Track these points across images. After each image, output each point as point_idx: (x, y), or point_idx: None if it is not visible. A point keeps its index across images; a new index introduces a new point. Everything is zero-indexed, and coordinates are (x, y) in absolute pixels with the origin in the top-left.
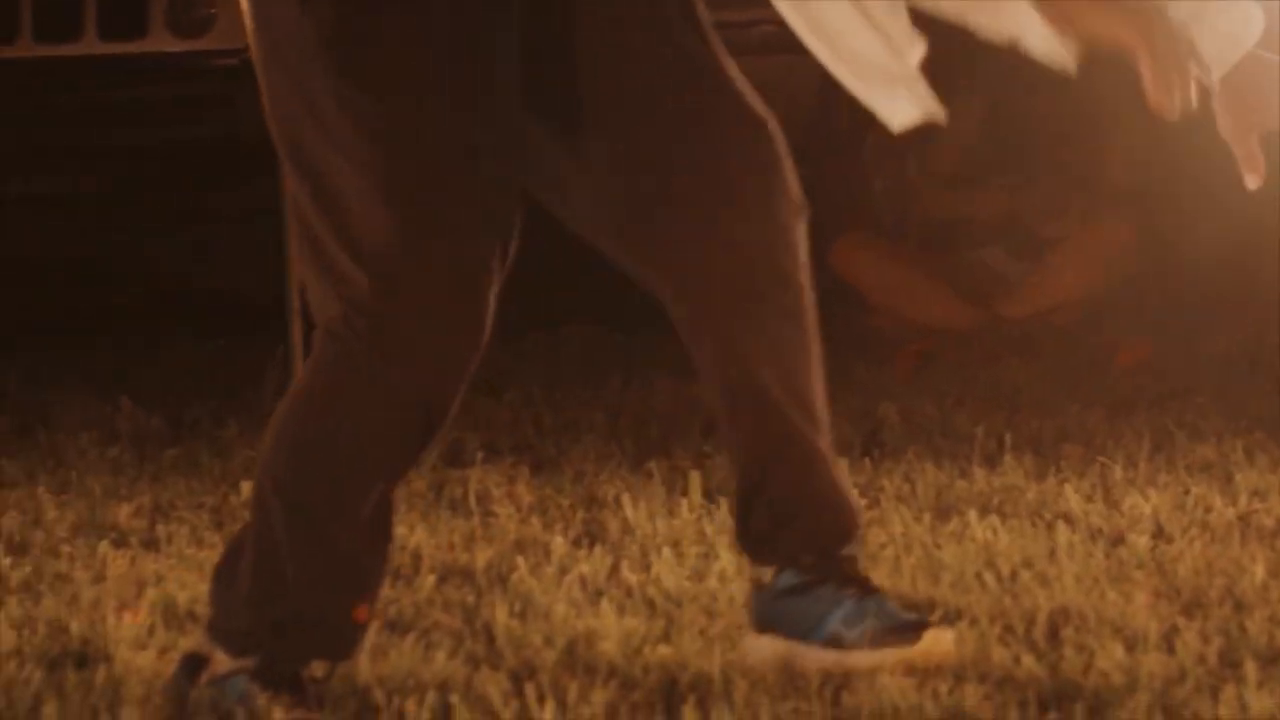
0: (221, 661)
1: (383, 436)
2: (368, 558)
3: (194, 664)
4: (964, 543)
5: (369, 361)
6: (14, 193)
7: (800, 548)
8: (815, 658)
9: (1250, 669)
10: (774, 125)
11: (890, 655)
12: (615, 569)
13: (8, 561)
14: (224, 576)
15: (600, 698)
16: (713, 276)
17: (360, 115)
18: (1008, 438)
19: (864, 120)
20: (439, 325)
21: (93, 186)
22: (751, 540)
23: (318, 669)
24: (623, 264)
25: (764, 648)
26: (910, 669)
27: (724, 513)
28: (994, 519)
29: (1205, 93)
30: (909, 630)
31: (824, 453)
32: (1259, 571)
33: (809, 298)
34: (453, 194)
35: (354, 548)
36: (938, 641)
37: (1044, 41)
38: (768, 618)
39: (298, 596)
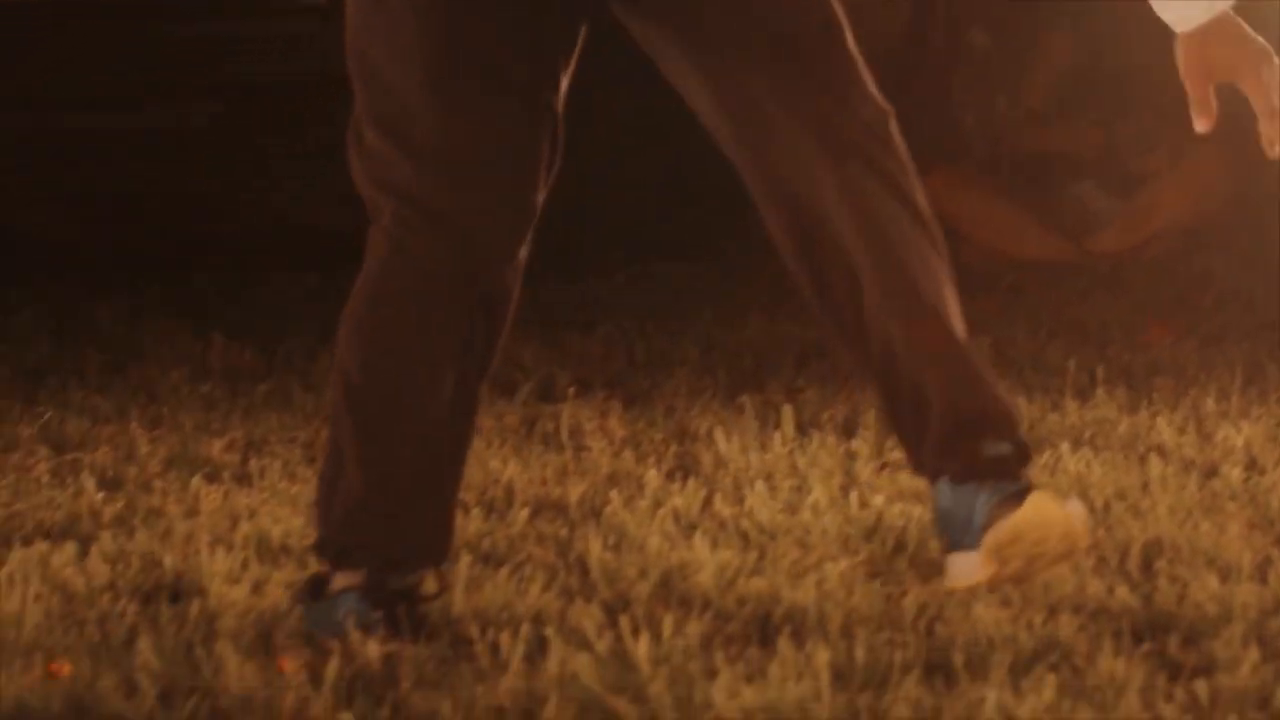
0: (336, 579)
1: (444, 325)
2: (449, 454)
3: (317, 584)
4: (1057, 475)
5: (422, 253)
6: (112, 128)
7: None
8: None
9: None
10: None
11: (1002, 527)
12: (708, 502)
13: (101, 496)
14: (323, 491)
15: (695, 630)
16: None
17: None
18: (1100, 370)
19: (954, 54)
20: (483, 209)
21: (190, 122)
22: (931, 454)
23: (429, 584)
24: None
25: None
26: (1020, 576)
27: (816, 445)
28: (1087, 451)
29: None
30: (1013, 499)
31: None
32: None
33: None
34: (487, 86)
35: (434, 443)
36: (1041, 506)
37: None
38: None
39: (381, 499)
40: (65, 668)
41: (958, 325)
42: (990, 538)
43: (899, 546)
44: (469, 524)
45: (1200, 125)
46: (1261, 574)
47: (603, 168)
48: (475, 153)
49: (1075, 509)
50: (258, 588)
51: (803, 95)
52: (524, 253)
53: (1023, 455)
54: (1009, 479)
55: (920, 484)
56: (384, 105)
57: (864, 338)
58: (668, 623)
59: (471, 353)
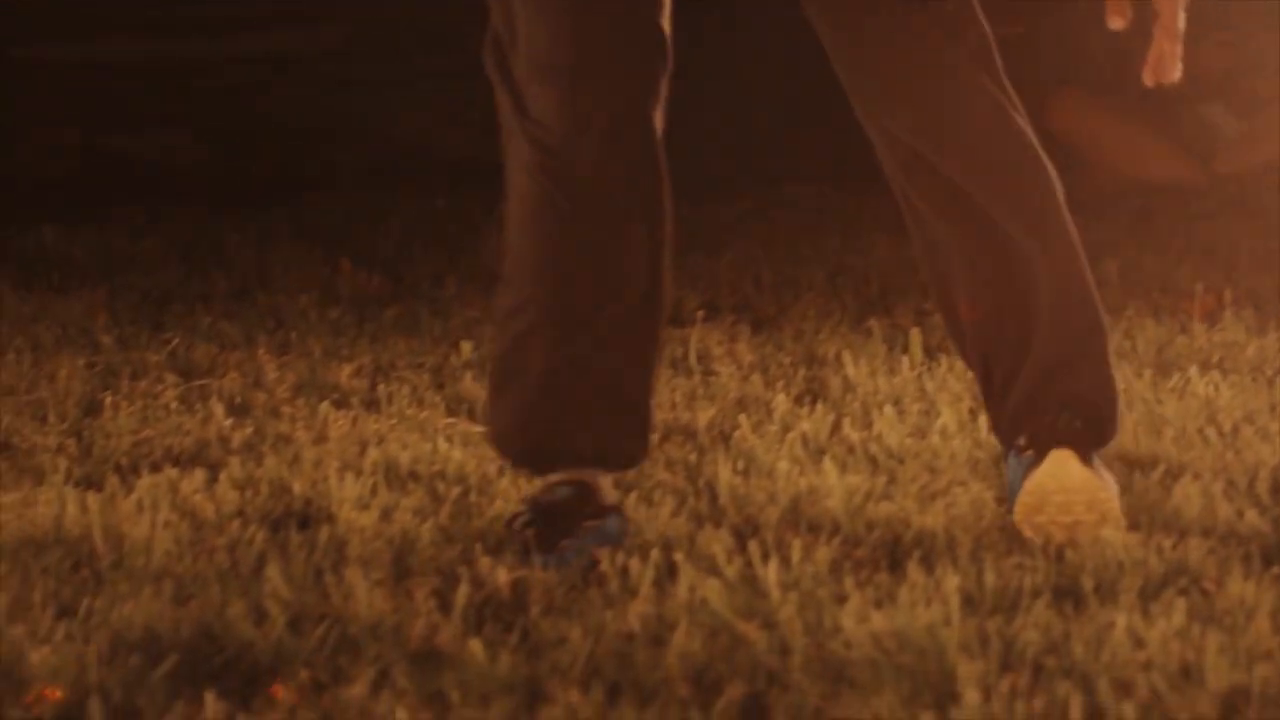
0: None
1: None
2: (629, 376)
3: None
4: (1185, 398)
5: (564, 185)
6: (239, 52)
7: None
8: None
9: None
10: None
11: (1026, 489)
12: (837, 427)
13: (229, 423)
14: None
15: (823, 555)
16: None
17: None
18: (1227, 293)
19: None
20: (611, 136)
21: (317, 45)
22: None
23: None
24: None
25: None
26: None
27: (944, 370)
28: (1215, 374)
29: None
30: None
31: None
32: None
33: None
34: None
35: (613, 368)
36: (1058, 465)
37: None
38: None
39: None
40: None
41: (1061, 266)
42: (1019, 502)
43: None
44: None
45: (1114, 24)
46: None
47: (730, 90)
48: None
49: (1102, 478)
50: (386, 514)
51: (914, 28)
52: (659, 119)
53: (1097, 433)
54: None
55: None
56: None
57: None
58: (797, 548)
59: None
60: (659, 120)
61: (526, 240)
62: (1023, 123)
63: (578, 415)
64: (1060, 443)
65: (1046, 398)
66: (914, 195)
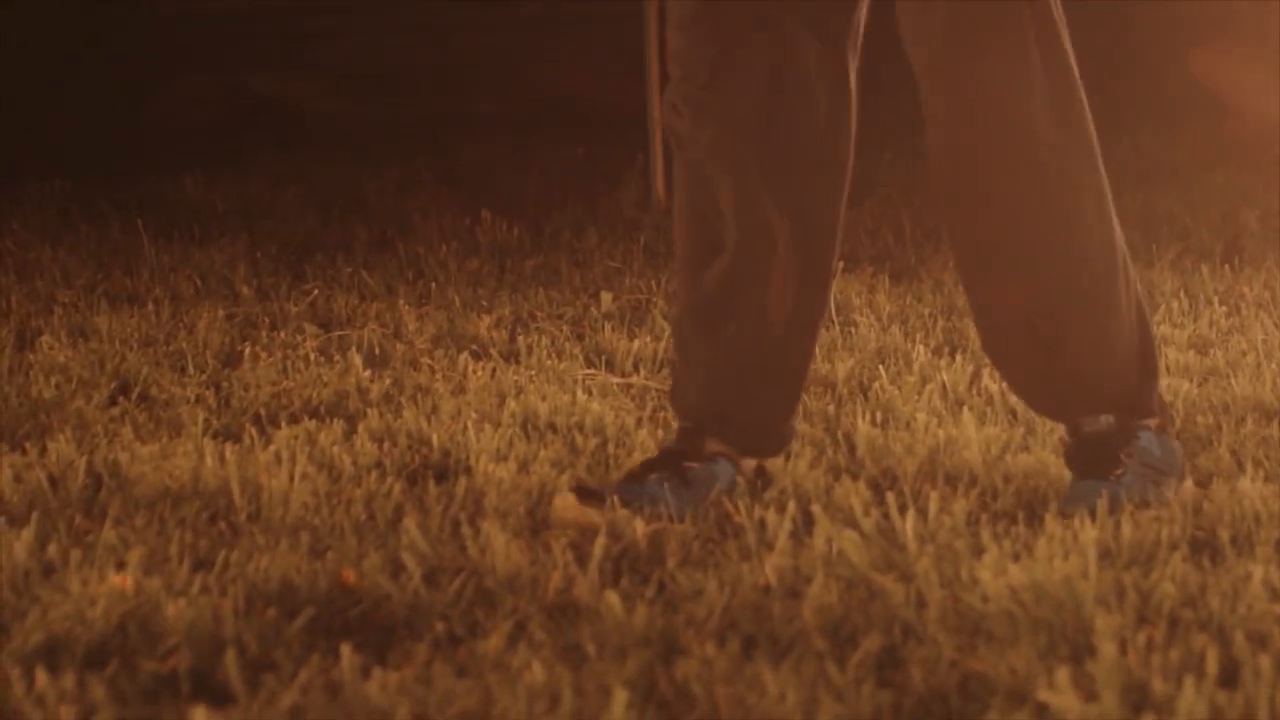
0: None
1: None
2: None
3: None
4: None
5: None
6: (380, 2)
7: None
8: None
9: None
10: None
11: None
12: (976, 378)
13: (368, 374)
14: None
15: (961, 507)
16: None
17: None
18: None
19: None
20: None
21: None
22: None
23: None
24: None
25: None
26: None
27: None
28: None
29: None
30: None
31: None
32: None
33: None
34: None
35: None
36: None
37: None
38: None
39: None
40: (349, 575)
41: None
42: None
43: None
44: None
45: None
46: None
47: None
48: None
49: None
50: (524, 466)
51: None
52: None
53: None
54: None
55: (1189, 359)
56: None
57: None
58: (934, 500)
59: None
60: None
61: None
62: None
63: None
64: None
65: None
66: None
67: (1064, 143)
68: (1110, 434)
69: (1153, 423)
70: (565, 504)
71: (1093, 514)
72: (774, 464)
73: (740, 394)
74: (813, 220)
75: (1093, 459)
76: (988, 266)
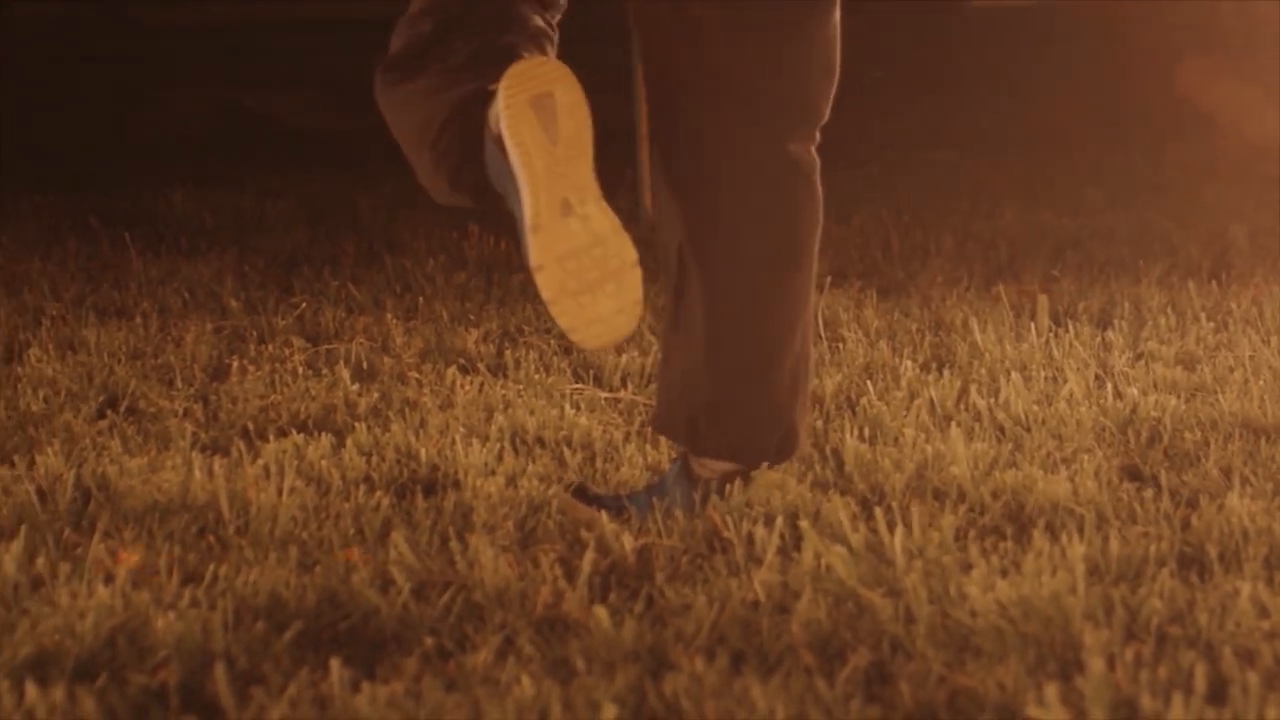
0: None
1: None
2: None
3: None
4: None
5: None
6: (372, 16)
7: None
8: None
9: None
10: None
11: None
12: (964, 393)
13: (356, 388)
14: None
15: (949, 522)
16: None
17: None
18: None
19: None
20: None
21: None
22: None
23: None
24: None
25: None
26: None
27: (1071, 337)
28: None
29: None
30: None
31: None
32: None
33: None
34: None
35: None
36: None
37: None
38: None
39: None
40: (353, 553)
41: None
42: None
43: (1154, 438)
44: None
45: None
46: None
47: (856, 58)
48: None
49: None
50: (512, 480)
51: None
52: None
53: None
54: None
55: (1176, 375)
56: None
57: None
58: (922, 515)
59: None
60: None
61: None
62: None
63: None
64: None
65: None
66: None
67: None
68: None
69: None
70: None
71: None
72: (761, 479)
73: None
74: None
75: None
76: None
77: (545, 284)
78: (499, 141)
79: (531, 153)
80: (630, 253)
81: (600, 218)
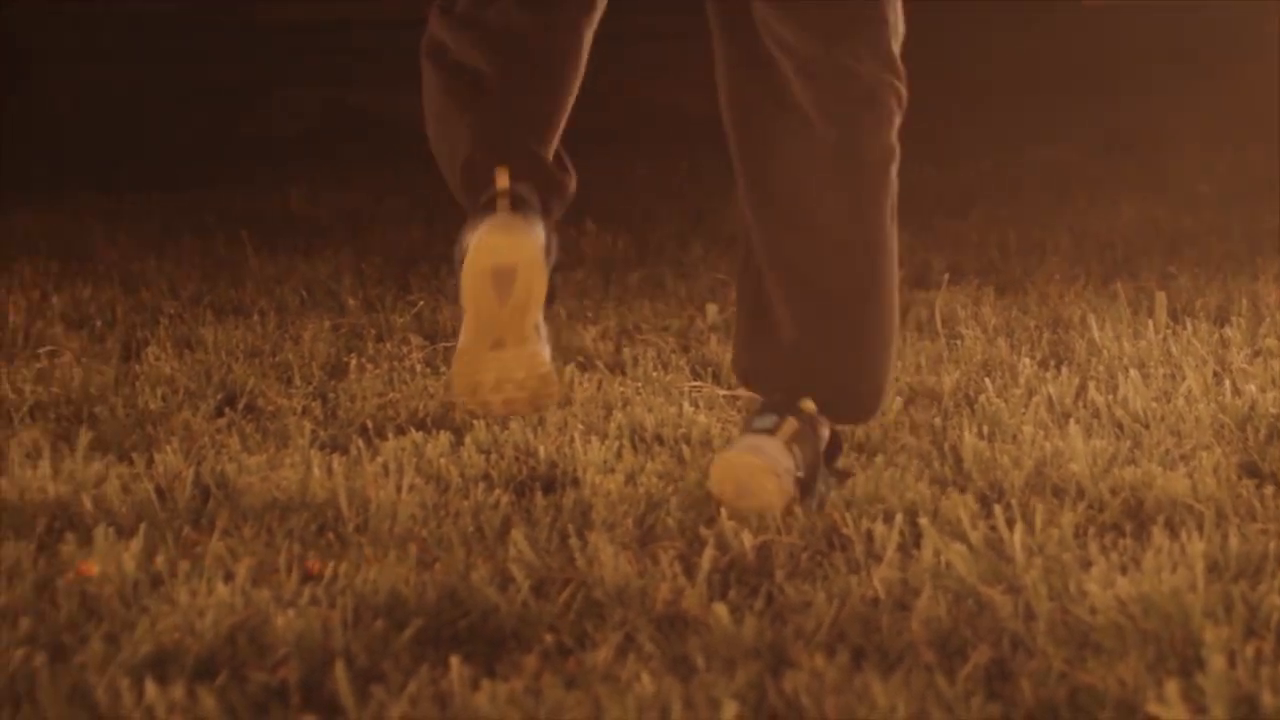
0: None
1: None
2: None
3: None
4: None
5: None
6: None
7: None
8: None
9: None
10: None
11: None
12: (1082, 390)
13: None
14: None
15: (1068, 519)
16: None
17: None
18: None
19: None
20: None
21: None
22: None
23: None
24: None
25: None
26: None
27: (1189, 333)
28: None
29: None
30: None
31: None
32: None
33: None
34: None
35: None
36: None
37: None
38: None
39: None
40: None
41: None
42: None
43: (1272, 434)
44: None
45: None
46: None
47: (972, 56)
48: None
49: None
50: (631, 477)
51: None
52: None
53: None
54: None
55: None
56: None
57: None
58: (1041, 512)
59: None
60: None
61: None
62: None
63: None
64: None
65: None
66: None
67: None
68: None
69: None
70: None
71: None
72: (881, 476)
73: None
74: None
75: None
76: None
77: (459, 394)
78: (458, 267)
79: (480, 308)
80: (552, 385)
81: (528, 358)
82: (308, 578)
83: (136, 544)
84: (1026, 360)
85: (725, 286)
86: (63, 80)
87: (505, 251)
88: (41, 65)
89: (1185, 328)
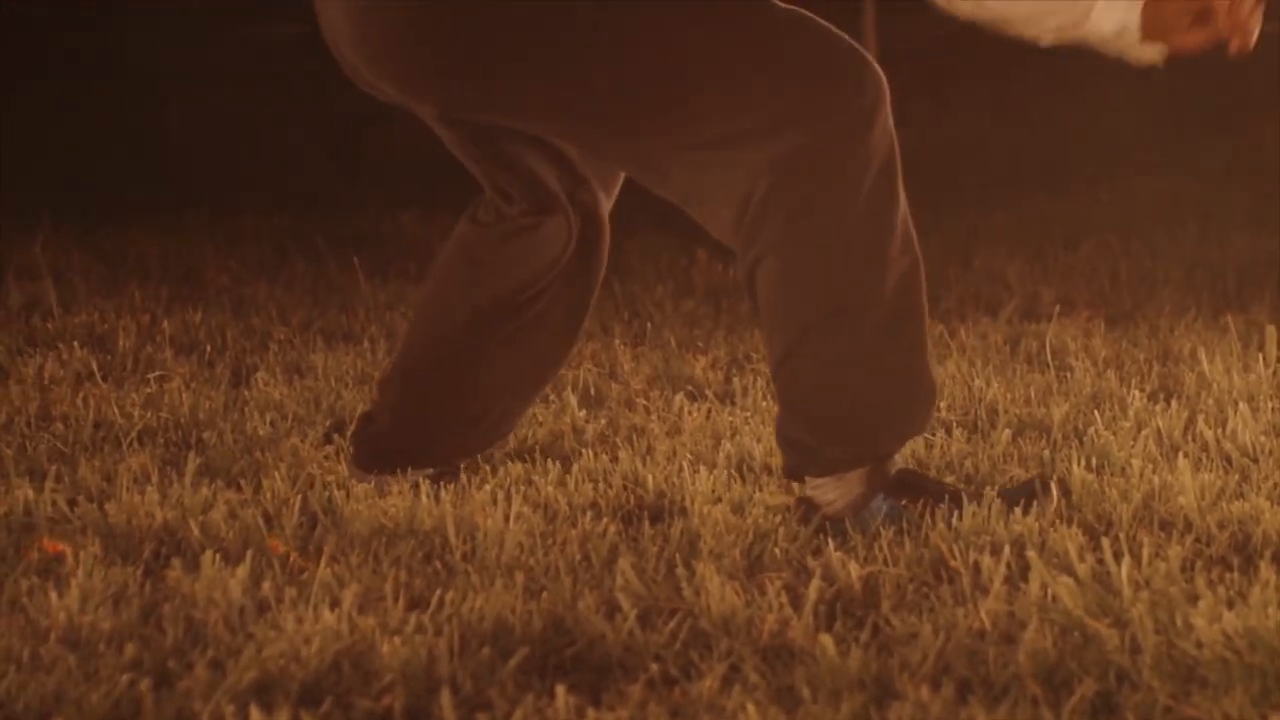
0: (839, 489)
1: None
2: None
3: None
4: None
5: None
6: None
7: None
8: None
9: None
10: None
11: None
12: (1191, 423)
13: (584, 414)
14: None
15: (1176, 553)
16: None
17: None
18: None
19: None
20: None
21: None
22: None
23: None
24: None
25: None
26: None
27: None
28: None
29: None
30: None
31: None
32: None
33: None
34: None
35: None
36: None
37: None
38: None
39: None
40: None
41: None
42: None
43: None
44: (951, 444)
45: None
46: None
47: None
48: None
49: None
50: (739, 507)
51: None
52: None
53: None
54: None
55: None
56: None
57: None
58: (1149, 545)
59: None
60: None
61: None
62: None
63: None
64: None
65: None
66: None
67: None
68: None
69: None
70: None
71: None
72: (988, 508)
73: None
74: None
75: None
76: None
77: None
78: None
79: None
80: None
81: None
82: (414, 605)
83: (243, 570)
84: (1136, 393)
85: None
86: (187, 104)
87: None
88: (167, 89)
89: None
